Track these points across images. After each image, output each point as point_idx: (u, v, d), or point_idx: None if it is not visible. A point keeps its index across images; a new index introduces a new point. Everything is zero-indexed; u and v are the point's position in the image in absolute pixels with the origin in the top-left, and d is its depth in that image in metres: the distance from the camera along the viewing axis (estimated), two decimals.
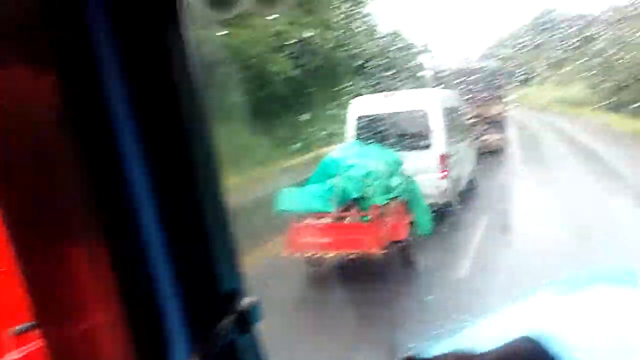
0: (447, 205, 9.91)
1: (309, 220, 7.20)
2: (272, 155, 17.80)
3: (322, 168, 7.40)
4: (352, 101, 10.31)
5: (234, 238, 0.87)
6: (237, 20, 17.35)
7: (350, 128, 10.08)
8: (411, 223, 7.94)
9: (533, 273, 5.60)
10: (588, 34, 43.99)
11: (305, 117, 22.00)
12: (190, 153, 0.80)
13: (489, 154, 18.11)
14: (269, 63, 20.25)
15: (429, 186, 9.55)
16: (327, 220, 7.08)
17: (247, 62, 18.34)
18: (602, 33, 36.19)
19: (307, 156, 18.54)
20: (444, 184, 9.73)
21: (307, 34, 22.01)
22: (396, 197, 7.52)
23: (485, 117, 19.01)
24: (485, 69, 21.46)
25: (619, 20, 33.62)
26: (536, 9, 76.76)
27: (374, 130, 9.82)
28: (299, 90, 23.84)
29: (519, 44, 61.65)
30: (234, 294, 0.84)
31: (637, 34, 25.27)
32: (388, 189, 7.19)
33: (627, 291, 1.62)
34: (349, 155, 7.38)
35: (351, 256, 6.98)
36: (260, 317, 0.86)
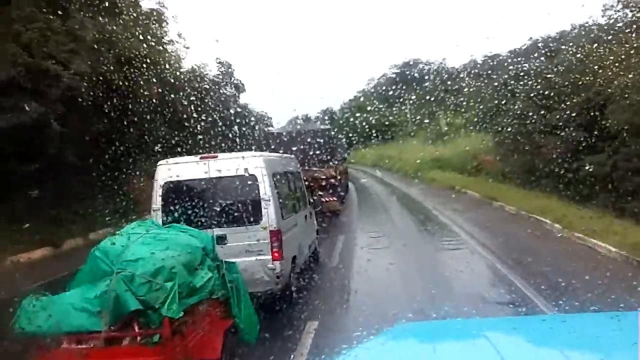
0: (281, 293, 8.03)
1: (67, 345, 4.72)
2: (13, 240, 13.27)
3: (91, 264, 5.01)
4: (159, 164, 8.10)
5: None
6: None
7: (155, 199, 7.83)
8: (230, 329, 5.86)
9: None
10: (453, 87, 41.36)
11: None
12: None
13: (329, 217, 17.22)
14: None
15: (258, 271, 7.67)
16: (95, 344, 4.68)
17: None
18: (465, 87, 35.25)
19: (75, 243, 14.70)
20: (277, 266, 7.86)
21: None
22: (207, 297, 5.40)
23: (324, 179, 18.49)
24: (324, 128, 21.07)
25: (479, 74, 33.67)
26: (398, 60, 77.54)
27: (185, 201, 7.69)
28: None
29: (381, 97, 58.49)
30: None
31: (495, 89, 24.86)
32: (190, 291, 5.04)
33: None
34: (132, 243, 5.11)
35: None
36: None
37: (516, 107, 20.88)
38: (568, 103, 17.14)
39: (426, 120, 43.26)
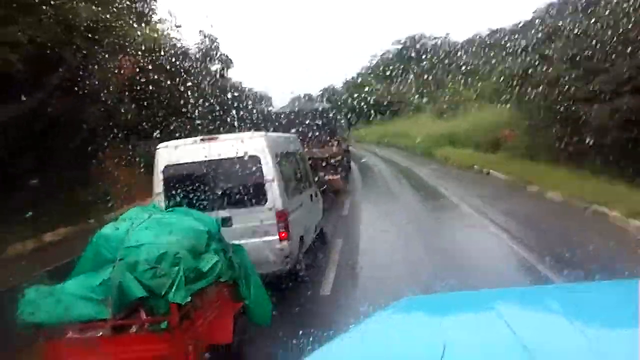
0: (290, 273, 7.89)
1: (72, 334, 4.59)
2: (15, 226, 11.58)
3: (93, 251, 4.85)
4: (158, 147, 7.90)
5: None
6: None
7: (156, 183, 7.65)
8: (242, 311, 5.72)
9: None
10: (462, 58, 38.87)
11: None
12: None
13: (332, 195, 17.00)
14: None
15: (265, 252, 7.51)
16: (101, 332, 4.54)
17: None
18: (474, 57, 32.88)
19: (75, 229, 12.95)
20: (285, 247, 7.72)
21: None
22: (214, 281, 5.24)
23: (326, 158, 18.38)
24: (325, 107, 20.86)
25: (483, 47, 31.55)
26: (401, 34, 74.15)
27: (188, 184, 7.51)
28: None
29: (384, 72, 55.51)
30: None
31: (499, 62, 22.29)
32: (197, 275, 4.88)
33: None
34: (135, 228, 4.94)
35: None
36: None
37: (549, 71, 16.95)
38: (618, 63, 13.95)
39: (432, 94, 40.33)
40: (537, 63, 18.33)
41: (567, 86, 15.81)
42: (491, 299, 2.20)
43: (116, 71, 16.30)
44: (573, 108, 15.62)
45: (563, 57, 16.66)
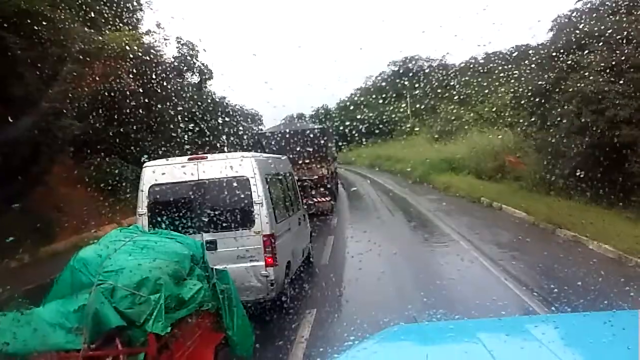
0: (275, 301, 7.64)
1: None
2: None
3: (68, 276, 4.59)
4: (144, 166, 7.68)
5: None
6: None
7: (141, 203, 7.40)
8: (223, 342, 5.46)
9: None
10: (452, 84, 37.87)
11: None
12: None
13: (320, 217, 16.80)
14: None
15: (250, 278, 7.30)
16: None
17: None
18: (464, 84, 32.35)
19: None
20: (271, 273, 7.48)
21: None
22: (196, 309, 4.99)
23: (314, 179, 18.33)
24: (315, 127, 20.83)
25: (480, 71, 30.89)
26: (397, 56, 73.90)
27: (173, 205, 7.29)
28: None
29: (380, 93, 55.39)
30: None
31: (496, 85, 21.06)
32: (178, 303, 4.63)
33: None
34: (115, 252, 4.69)
35: None
36: None
37: (579, 86, 13.57)
38: None
39: (428, 115, 39.03)
40: (564, 76, 14.64)
41: (605, 104, 12.90)
42: (478, 329, 2.21)
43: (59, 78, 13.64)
44: (613, 132, 12.63)
45: (601, 67, 13.40)
